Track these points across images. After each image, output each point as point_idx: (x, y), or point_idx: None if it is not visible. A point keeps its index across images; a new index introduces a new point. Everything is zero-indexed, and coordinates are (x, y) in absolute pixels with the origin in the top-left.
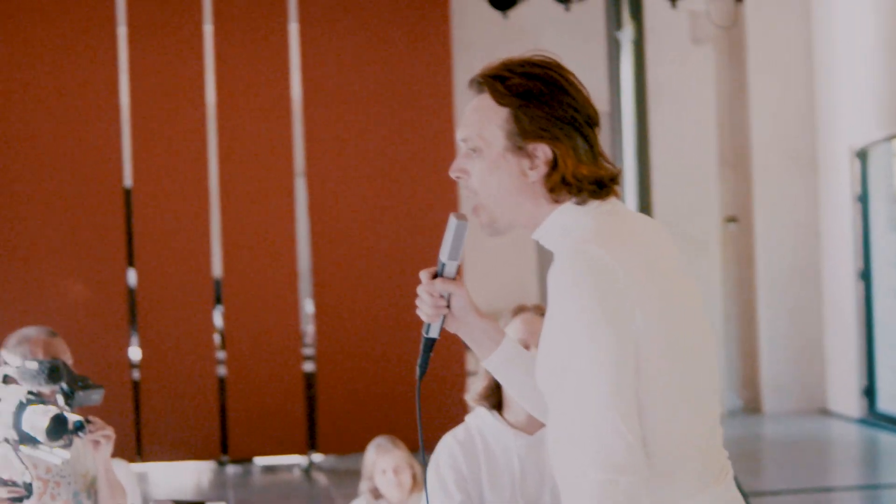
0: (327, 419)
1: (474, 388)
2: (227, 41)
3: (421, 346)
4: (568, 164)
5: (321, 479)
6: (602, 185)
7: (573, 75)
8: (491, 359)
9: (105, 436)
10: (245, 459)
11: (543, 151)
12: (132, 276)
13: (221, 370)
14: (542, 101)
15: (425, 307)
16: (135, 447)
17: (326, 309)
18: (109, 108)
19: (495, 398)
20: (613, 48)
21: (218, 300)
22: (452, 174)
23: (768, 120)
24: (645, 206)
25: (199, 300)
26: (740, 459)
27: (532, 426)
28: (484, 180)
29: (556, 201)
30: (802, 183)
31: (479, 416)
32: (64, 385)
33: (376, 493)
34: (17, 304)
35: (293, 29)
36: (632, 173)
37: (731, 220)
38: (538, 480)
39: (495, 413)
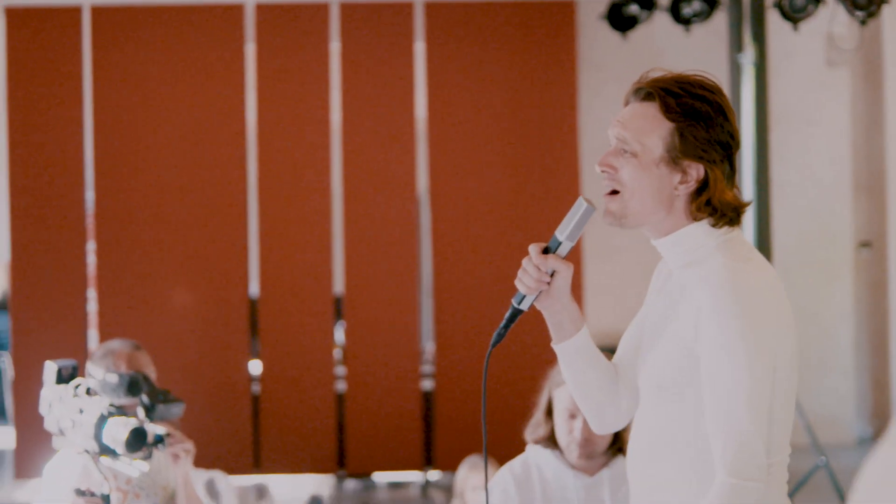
0: (444, 437)
1: (536, 432)
2: (353, 60)
3: (506, 315)
4: (717, 189)
5: (437, 496)
6: (738, 213)
7: (729, 103)
8: (566, 344)
9: (185, 449)
10: (362, 474)
11: (697, 171)
12: (254, 291)
13: (341, 385)
14: (706, 123)
15: (528, 279)
16: (252, 459)
17: (446, 327)
18: (236, 125)
19: (553, 441)
20: (735, 71)
21: (339, 316)
22: (599, 167)
23: None
24: (764, 233)
25: (320, 315)
26: None
27: (592, 468)
28: (634, 178)
29: (695, 219)
30: None
31: (538, 453)
32: (144, 398)
33: None
34: (140, 317)
35: (419, 48)
36: (751, 199)
37: (865, 244)
38: None
39: (557, 452)
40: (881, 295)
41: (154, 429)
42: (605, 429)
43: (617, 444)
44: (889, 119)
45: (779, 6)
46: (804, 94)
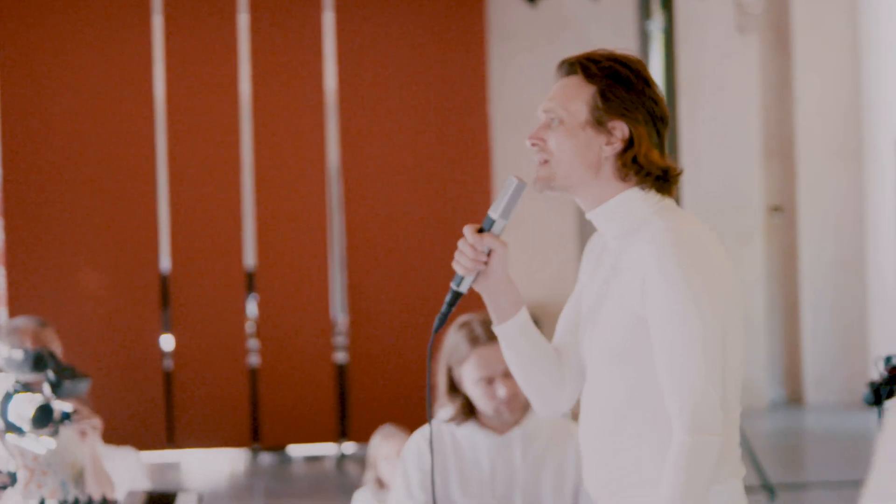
0: (359, 409)
1: (445, 412)
2: (261, 32)
3: (446, 298)
4: (642, 146)
5: (353, 468)
6: (667, 178)
7: (653, 78)
8: (507, 325)
9: (92, 426)
10: (277, 448)
11: (622, 129)
12: (165, 265)
13: (254, 359)
14: (628, 84)
15: (464, 260)
16: (166, 435)
17: (359, 300)
18: (144, 98)
19: (468, 414)
20: (644, 39)
21: (251, 289)
22: (529, 141)
23: (813, 110)
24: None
25: (232, 289)
26: (782, 451)
27: (503, 427)
28: (560, 144)
29: (622, 180)
30: (847, 174)
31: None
32: (50, 374)
33: (380, 484)
34: (50, 293)
35: (328, 18)
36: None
37: (776, 209)
38: (509, 480)
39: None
40: (792, 259)
41: (60, 405)
42: (549, 411)
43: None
44: (798, 84)
45: None
46: (714, 60)
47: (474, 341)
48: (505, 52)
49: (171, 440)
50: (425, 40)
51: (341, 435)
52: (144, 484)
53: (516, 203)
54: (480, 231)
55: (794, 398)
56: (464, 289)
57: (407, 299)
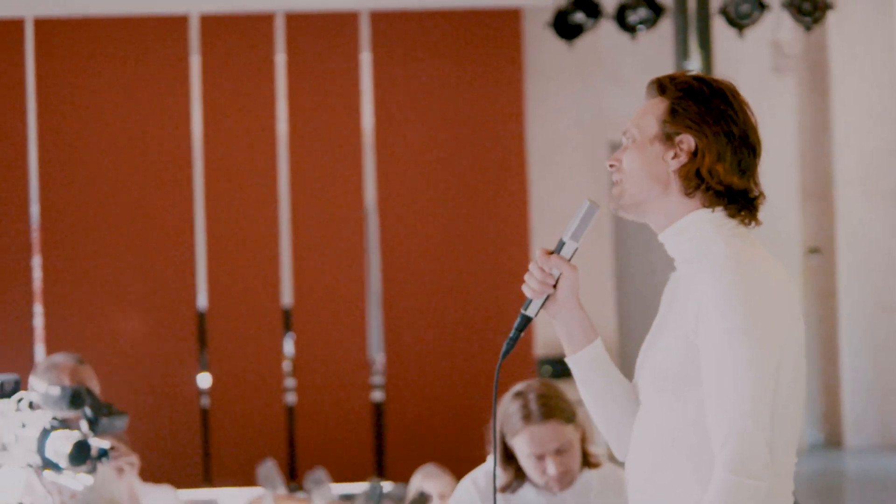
0: (395, 447)
1: (498, 480)
2: (299, 71)
3: (515, 323)
4: (706, 159)
5: None
6: (735, 197)
7: (745, 103)
8: (579, 355)
9: (129, 462)
10: None
11: (687, 142)
12: (202, 303)
13: (290, 397)
14: (700, 98)
15: (533, 282)
16: (202, 473)
17: (396, 338)
18: (181, 137)
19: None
20: None
21: (287, 328)
22: (608, 163)
23: (852, 150)
24: None
25: (269, 327)
26: (820, 493)
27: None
28: (630, 160)
29: (688, 195)
30: (886, 215)
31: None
32: (87, 411)
33: None
34: (86, 331)
35: (365, 58)
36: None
37: (814, 251)
38: None
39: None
40: (830, 301)
41: (98, 442)
42: (624, 451)
43: (586, 462)
44: (836, 125)
45: (724, 13)
46: (751, 100)
47: (527, 417)
48: (541, 90)
49: (208, 478)
50: (462, 78)
51: (378, 474)
52: None
53: (588, 226)
54: (551, 254)
55: (832, 441)
56: (532, 313)
57: (444, 338)
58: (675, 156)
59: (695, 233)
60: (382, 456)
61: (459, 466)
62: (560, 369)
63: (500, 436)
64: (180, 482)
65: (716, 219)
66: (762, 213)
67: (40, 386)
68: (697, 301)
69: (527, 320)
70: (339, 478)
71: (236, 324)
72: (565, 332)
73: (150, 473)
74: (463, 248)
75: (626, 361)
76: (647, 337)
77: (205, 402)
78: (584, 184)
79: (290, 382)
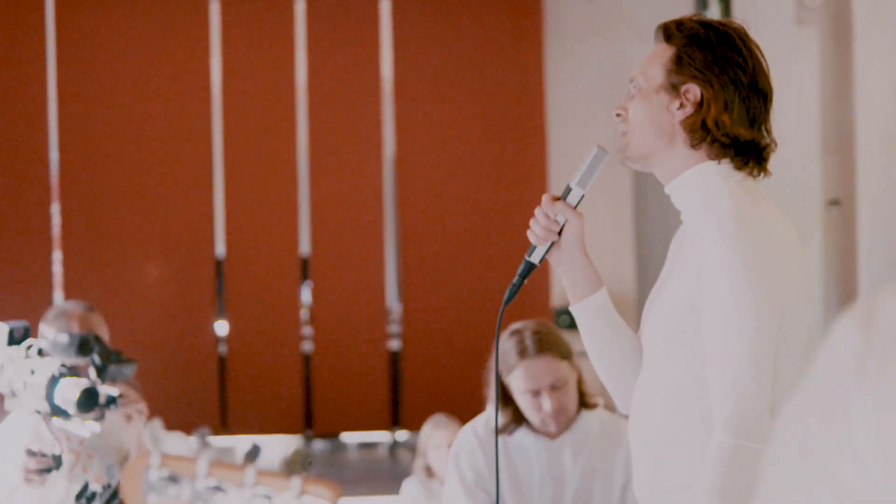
0: (412, 397)
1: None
2: (319, 20)
3: (519, 269)
4: (712, 109)
5: (405, 456)
6: (742, 149)
7: (755, 47)
8: (583, 304)
9: (137, 410)
10: (330, 435)
11: (693, 92)
12: (220, 251)
13: (307, 346)
14: (706, 45)
15: (537, 228)
16: (219, 420)
17: (413, 287)
18: (200, 85)
19: (518, 423)
20: None
21: (305, 276)
22: (614, 111)
23: (874, 103)
24: None
25: (287, 276)
26: None
27: (555, 433)
28: (634, 111)
29: (693, 147)
30: None
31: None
32: (96, 358)
33: (429, 472)
34: (105, 278)
35: (385, 7)
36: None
37: (834, 203)
38: (559, 484)
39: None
40: (850, 254)
41: (106, 389)
42: (628, 405)
43: (582, 402)
44: (858, 77)
45: None
46: (772, 53)
47: (522, 352)
48: (561, 45)
49: (225, 425)
50: (482, 31)
51: (394, 423)
52: None
53: (595, 172)
54: (559, 198)
55: None
56: (536, 259)
57: (461, 288)
58: (681, 106)
59: (700, 185)
60: (398, 405)
61: (474, 416)
62: None
63: (497, 376)
64: (193, 427)
65: (722, 171)
66: (782, 165)
67: (49, 333)
68: (699, 257)
69: (530, 266)
70: (355, 426)
71: (254, 272)
72: (569, 280)
73: (168, 420)
74: (480, 199)
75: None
76: (653, 289)
77: (222, 349)
78: (606, 139)
79: (307, 331)
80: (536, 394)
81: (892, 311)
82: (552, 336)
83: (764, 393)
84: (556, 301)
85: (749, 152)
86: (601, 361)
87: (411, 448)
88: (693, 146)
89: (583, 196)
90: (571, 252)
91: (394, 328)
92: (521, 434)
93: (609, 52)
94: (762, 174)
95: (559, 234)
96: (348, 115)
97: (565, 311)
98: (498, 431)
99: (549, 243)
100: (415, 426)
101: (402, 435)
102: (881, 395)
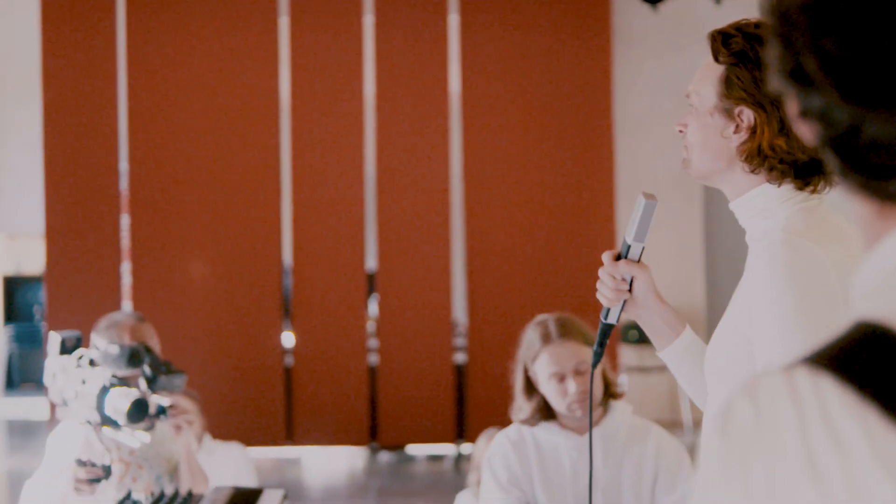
0: (477, 410)
1: (521, 412)
2: (387, 34)
3: (598, 332)
4: (766, 133)
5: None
6: (800, 170)
7: None
8: (668, 350)
9: (187, 420)
10: (395, 447)
11: (747, 117)
12: (287, 264)
13: (373, 359)
14: (753, 64)
15: (606, 290)
16: (286, 431)
17: (479, 301)
18: (270, 99)
19: (544, 414)
20: None
21: (371, 289)
22: (676, 127)
23: None
24: None
25: (353, 288)
26: None
27: (583, 427)
28: (693, 134)
29: (753, 172)
30: None
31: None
32: (146, 369)
33: None
34: (173, 289)
35: (453, 21)
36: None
37: None
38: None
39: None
40: None
41: (156, 400)
42: None
43: (608, 393)
44: None
45: None
46: None
47: (546, 338)
48: (631, 58)
49: (291, 437)
50: (550, 44)
51: (459, 436)
52: (251, 479)
53: (650, 222)
54: (619, 258)
55: None
56: (613, 320)
57: (527, 302)
58: (736, 130)
59: (760, 208)
60: (463, 417)
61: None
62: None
63: (523, 367)
64: (264, 440)
65: (781, 194)
66: None
67: (100, 343)
68: (751, 291)
69: (609, 328)
70: (421, 438)
71: (321, 284)
72: (651, 329)
73: (234, 431)
74: (547, 215)
75: (712, 327)
76: (724, 315)
77: (288, 361)
78: (677, 150)
79: (373, 343)
80: (561, 378)
81: (742, 418)
82: (576, 323)
83: None
84: (624, 315)
85: (810, 172)
86: (695, 394)
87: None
88: (753, 171)
89: (643, 249)
90: (646, 304)
91: (459, 341)
92: (551, 432)
93: (677, 64)
94: (827, 187)
95: (629, 290)
96: (416, 129)
97: (633, 327)
98: (521, 422)
99: (623, 302)
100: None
101: (466, 448)
102: (744, 496)
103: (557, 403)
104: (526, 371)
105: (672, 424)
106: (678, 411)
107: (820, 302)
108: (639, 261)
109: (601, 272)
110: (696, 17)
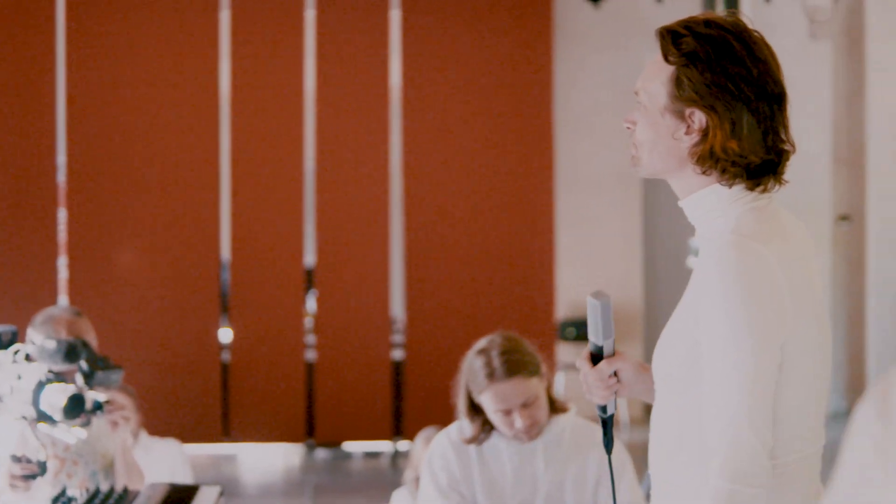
0: (414, 407)
1: (465, 432)
2: (328, 28)
3: (602, 425)
4: (717, 137)
5: (406, 466)
6: (752, 172)
7: (759, 44)
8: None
9: (123, 416)
10: (332, 444)
11: (699, 119)
12: (225, 259)
13: (311, 355)
14: (705, 65)
15: (598, 391)
16: (222, 428)
17: (417, 297)
18: (209, 92)
19: (489, 431)
20: None
21: (310, 285)
22: (624, 122)
23: (885, 118)
24: None
25: (292, 284)
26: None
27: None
28: (642, 133)
29: (704, 173)
30: None
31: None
32: (83, 365)
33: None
34: (110, 284)
35: (394, 16)
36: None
37: (844, 218)
38: (532, 487)
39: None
40: (859, 268)
41: (93, 395)
42: None
43: (553, 409)
44: (870, 91)
45: None
46: (785, 66)
47: (491, 376)
48: (572, 54)
49: (227, 433)
50: (491, 40)
51: (396, 433)
52: (186, 476)
53: (611, 317)
54: (594, 358)
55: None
56: (612, 410)
57: (466, 298)
58: (688, 131)
59: (709, 208)
60: (401, 414)
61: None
62: (584, 331)
63: (466, 392)
64: (200, 436)
65: (732, 194)
66: (793, 180)
67: (37, 338)
68: (700, 294)
69: (611, 418)
70: (358, 435)
71: (259, 280)
72: (646, 395)
73: (170, 427)
74: (487, 211)
75: (649, 323)
76: (673, 314)
77: (225, 357)
78: (617, 146)
79: (311, 339)
80: (508, 413)
81: None
82: (520, 354)
83: (761, 437)
84: (560, 313)
85: (761, 173)
86: None
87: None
88: (704, 172)
89: (613, 340)
90: (635, 383)
91: (397, 338)
92: (495, 438)
93: (618, 60)
94: (777, 185)
95: (618, 382)
96: (356, 124)
97: (570, 324)
98: (466, 441)
99: (615, 391)
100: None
101: (404, 445)
102: None
103: (503, 431)
104: (470, 395)
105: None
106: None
107: (767, 303)
108: (614, 353)
109: (587, 378)
110: (637, 13)
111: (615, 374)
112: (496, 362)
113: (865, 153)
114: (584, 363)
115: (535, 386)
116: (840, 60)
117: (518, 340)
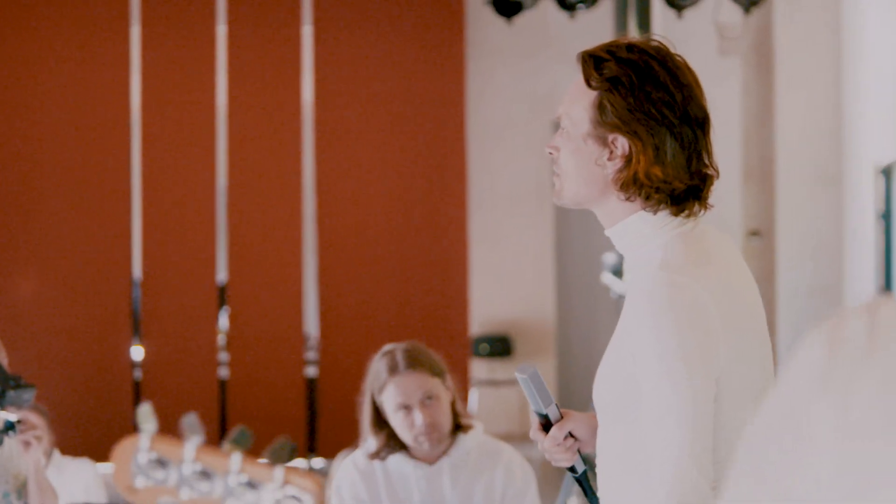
0: (329, 424)
1: (370, 446)
2: (239, 43)
3: (578, 486)
4: (641, 163)
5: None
6: (676, 198)
7: (682, 69)
8: None
9: (36, 436)
10: None
11: (622, 144)
12: (137, 276)
13: (224, 372)
14: (628, 90)
15: (559, 456)
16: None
17: (331, 314)
18: (120, 107)
19: (393, 447)
20: None
21: (223, 302)
22: (546, 148)
23: (794, 134)
24: None
25: (204, 301)
26: None
27: (432, 456)
28: (565, 160)
29: (628, 199)
30: (826, 199)
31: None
32: None
33: None
34: (18, 299)
35: (307, 31)
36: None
37: (754, 234)
38: None
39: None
40: (769, 284)
41: (4, 415)
42: None
43: (456, 424)
44: (779, 108)
45: None
46: None
47: (393, 369)
48: (484, 67)
49: None
50: (404, 54)
51: (310, 450)
52: (100, 495)
53: (543, 385)
54: (544, 427)
55: None
56: (581, 468)
57: (380, 315)
58: (611, 157)
59: (634, 236)
60: (315, 432)
61: None
62: (497, 347)
63: (371, 399)
64: (111, 455)
65: (658, 220)
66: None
67: None
68: (632, 327)
69: (584, 475)
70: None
71: (171, 297)
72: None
73: (83, 447)
74: (400, 225)
75: (561, 339)
76: (606, 351)
77: (137, 374)
78: (530, 161)
79: (223, 357)
80: (408, 410)
81: (859, 327)
82: (424, 354)
83: (702, 470)
84: (474, 329)
85: (685, 198)
86: None
87: (327, 475)
88: (628, 199)
89: (556, 405)
90: (591, 435)
91: (311, 355)
92: (400, 461)
93: (530, 74)
94: (702, 210)
95: (575, 441)
96: (268, 139)
97: (484, 340)
98: (370, 456)
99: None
100: (331, 453)
101: (318, 462)
102: (842, 417)
103: (405, 435)
104: (374, 402)
105: (522, 437)
106: (528, 424)
107: (701, 340)
108: (561, 416)
109: (545, 448)
110: (549, 28)
111: (570, 434)
112: (398, 357)
113: (775, 169)
114: (537, 434)
115: (436, 385)
116: (750, 76)
117: (423, 346)
